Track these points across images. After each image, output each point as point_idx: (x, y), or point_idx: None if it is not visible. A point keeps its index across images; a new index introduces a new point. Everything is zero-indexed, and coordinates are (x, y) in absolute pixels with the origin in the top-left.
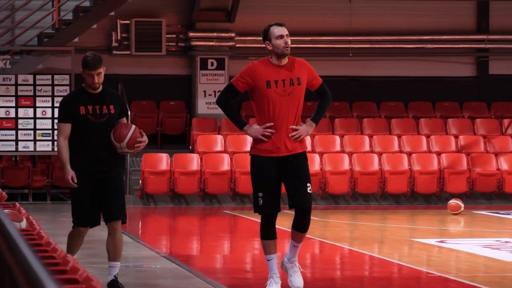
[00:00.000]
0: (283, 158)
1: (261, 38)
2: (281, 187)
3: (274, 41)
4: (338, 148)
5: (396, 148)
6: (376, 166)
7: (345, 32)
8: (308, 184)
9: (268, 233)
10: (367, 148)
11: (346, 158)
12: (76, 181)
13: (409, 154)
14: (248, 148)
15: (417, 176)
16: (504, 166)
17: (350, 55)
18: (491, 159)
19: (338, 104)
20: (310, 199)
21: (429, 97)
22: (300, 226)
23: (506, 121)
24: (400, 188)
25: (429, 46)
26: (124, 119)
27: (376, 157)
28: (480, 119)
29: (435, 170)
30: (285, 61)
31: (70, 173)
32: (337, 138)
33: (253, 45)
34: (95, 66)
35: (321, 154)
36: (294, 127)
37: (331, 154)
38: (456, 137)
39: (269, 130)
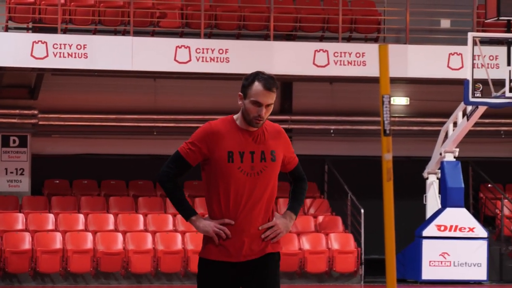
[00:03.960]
0: (244, 264)
1: (65, 116)
2: None
3: (248, 104)
4: (142, 227)
5: None
6: (179, 246)
7: (150, 110)
8: None
9: None
10: (170, 227)
11: (149, 237)
12: None
13: None
14: (50, 227)
15: None
16: (306, 246)
17: (155, 133)
18: (293, 238)
19: (141, 182)
20: None
21: None
22: None
23: (308, 201)
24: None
25: None
26: None
27: (179, 236)
28: (284, 199)
29: None
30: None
31: None
32: (141, 217)
33: (57, 123)
34: None
35: (124, 233)
36: (266, 225)
37: (134, 233)
38: None
39: (226, 230)
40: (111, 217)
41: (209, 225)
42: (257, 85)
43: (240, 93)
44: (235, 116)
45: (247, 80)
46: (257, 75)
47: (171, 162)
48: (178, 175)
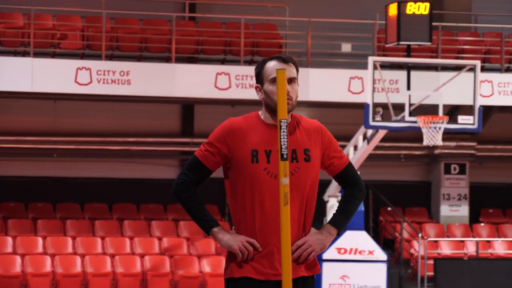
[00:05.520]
0: (275, 284)
1: None
2: None
3: (268, 87)
4: (41, 249)
5: (99, 250)
6: (79, 268)
7: (51, 132)
8: None
9: None
10: (70, 250)
11: (48, 259)
12: None
13: (113, 256)
14: None
15: (120, 278)
16: (207, 268)
17: (55, 156)
18: (193, 261)
19: (41, 205)
20: None
21: (134, 199)
22: None
23: None
24: None
25: (134, 148)
26: None
27: (79, 258)
28: (184, 221)
29: (138, 272)
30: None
31: None
32: (40, 240)
33: None
34: None
35: (22, 256)
36: (295, 245)
37: (33, 255)
38: (160, 239)
39: (251, 250)
40: (9, 240)
41: (235, 239)
42: (271, 64)
43: (256, 85)
44: (259, 112)
45: (258, 67)
46: (266, 58)
47: (187, 169)
48: (197, 183)
